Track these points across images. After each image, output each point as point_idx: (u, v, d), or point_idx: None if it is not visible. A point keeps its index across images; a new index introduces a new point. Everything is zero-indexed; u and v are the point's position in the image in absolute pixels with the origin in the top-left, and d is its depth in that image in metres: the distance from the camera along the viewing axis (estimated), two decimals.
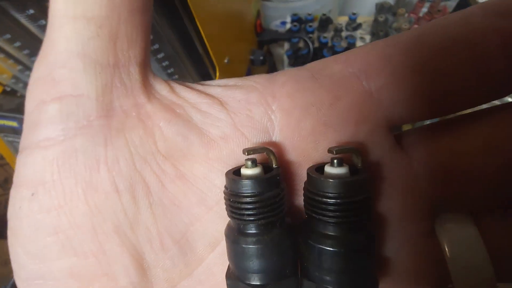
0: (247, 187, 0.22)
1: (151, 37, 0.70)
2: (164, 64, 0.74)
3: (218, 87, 0.26)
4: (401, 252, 0.25)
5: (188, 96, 0.26)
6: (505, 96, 0.24)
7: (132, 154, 0.24)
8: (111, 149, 0.23)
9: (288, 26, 1.12)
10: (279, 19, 1.17)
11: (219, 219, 0.25)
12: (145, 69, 0.25)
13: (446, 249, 0.23)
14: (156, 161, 0.24)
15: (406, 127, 0.72)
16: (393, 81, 0.23)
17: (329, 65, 0.25)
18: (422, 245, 0.25)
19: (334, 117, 0.24)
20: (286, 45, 1.08)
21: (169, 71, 0.76)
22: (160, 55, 0.72)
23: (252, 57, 1.03)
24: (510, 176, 0.23)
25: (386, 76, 0.23)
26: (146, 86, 0.25)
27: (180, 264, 0.25)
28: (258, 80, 0.26)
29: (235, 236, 0.23)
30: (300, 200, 0.26)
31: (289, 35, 1.08)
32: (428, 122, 0.33)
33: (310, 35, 1.06)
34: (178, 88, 0.26)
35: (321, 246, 0.22)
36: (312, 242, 0.22)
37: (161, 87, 0.26)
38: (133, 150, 0.24)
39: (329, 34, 1.06)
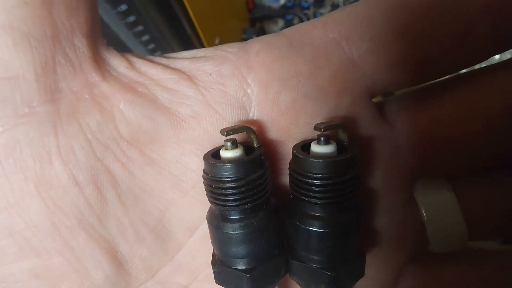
0: (229, 172, 0.20)
1: (134, 18, 0.70)
2: (149, 47, 0.72)
3: (185, 60, 0.24)
4: (384, 221, 0.25)
5: (151, 72, 0.23)
6: (485, 60, 0.23)
7: (90, 141, 0.21)
8: (63, 138, 0.21)
9: (282, 1, 1.09)
10: None
11: (196, 203, 0.23)
12: (95, 42, 0.22)
13: (424, 213, 0.24)
14: (119, 148, 0.22)
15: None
16: (377, 46, 0.21)
17: (308, 30, 0.23)
18: (404, 212, 0.25)
19: (314, 89, 0.22)
20: (280, 22, 1.05)
21: (156, 53, 0.75)
22: (144, 37, 0.70)
23: (244, 36, 0.99)
24: (488, 143, 0.23)
25: (369, 40, 0.22)
26: (98, 62, 0.22)
27: (158, 251, 0.24)
28: (230, 50, 0.24)
29: (218, 222, 0.21)
30: (284, 179, 0.24)
31: (283, 12, 1.06)
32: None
33: (306, 11, 1.03)
34: (139, 62, 0.23)
35: (309, 228, 0.20)
36: (300, 224, 0.21)
37: (117, 63, 0.23)
38: (90, 136, 0.21)
39: (325, 10, 1.02)
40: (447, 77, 0.24)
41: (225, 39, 0.82)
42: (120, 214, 0.22)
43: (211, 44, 0.75)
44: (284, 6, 1.08)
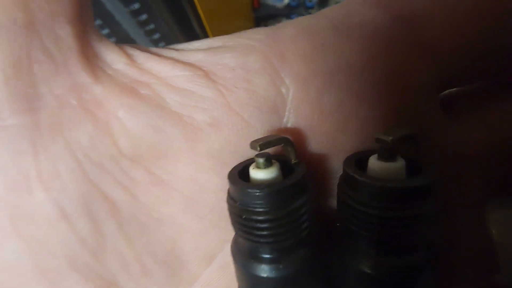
0: (263, 200, 0.14)
1: (145, 16, 0.63)
2: (160, 45, 0.65)
3: (199, 51, 0.17)
4: (457, 242, 0.18)
5: (156, 69, 0.16)
6: None
7: (80, 161, 0.15)
8: (45, 158, 0.15)
9: (287, 1, 1.02)
10: None
11: (214, 228, 0.17)
12: (84, 30, 0.16)
13: (494, 234, 0.18)
14: (119, 167, 0.16)
15: None
16: (452, 27, 0.15)
17: (356, 9, 0.16)
18: (479, 232, 0.18)
19: (370, 86, 0.16)
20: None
21: None
22: (155, 36, 0.64)
23: None
24: None
25: (439, 20, 0.15)
26: (89, 57, 0.16)
27: (169, 285, 0.18)
28: (256, 36, 0.17)
29: (246, 260, 0.15)
30: (329, 202, 0.18)
31: (287, 11, 0.99)
32: None
33: (310, 11, 0.97)
34: (141, 57, 0.17)
35: (363, 271, 0.14)
36: (351, 264, 0.15)
37: (114, 58, 0.16)
38: (81, 155, 0.15)
39: None
40: None
41: None
42: (122, 247, 0.16)
43: None
44: (288, 6, 1.01)
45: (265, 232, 0.14)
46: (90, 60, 0.16)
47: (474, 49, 0.16)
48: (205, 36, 0.72)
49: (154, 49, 0.17)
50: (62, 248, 0.15)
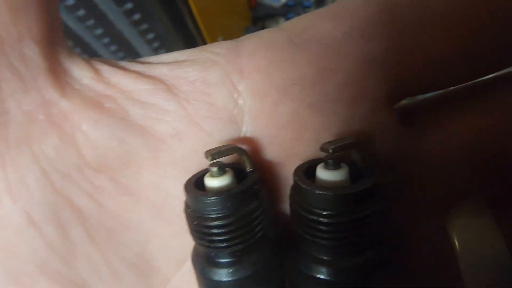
0: (215, 206, 0.15)
1: (139, 16, 0.64)
2: (154, 45, 0.66)
3: (164, 65, 0.18)
4: (415, 255, 0.18)
5: (121, 82, 0.17)
6: None
7: (47, 172, 0.16)
8: (12, 170, 0.16)
9: (284, 0, 1.02)
10: None
11: (183, 233, 0.18)
12: (53, 49, 0.16)
13: (456, 242, 0.17)
14: (84, 177, 0.17)
15: None
16: (401, 41, 0.16)
17: (313, 23, 0.17)
18: (442, 242, 0.18)
19: (322, 97, 0.16)
20: (282, 21, 0.98)
21: (160, 52, 0.68)
22: (150, 35, 0.65)
23: None
24: None
25: (391, 35, 0.16)
26: (57, 74, 0.16)
27: None
28: (218, 50, 0.18)
29: (203, 266, 0.16)
30: (286, 207, 0.18)
31: (284, 10, 0.99)
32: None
33: (307, 10, 0.97)
34: (108, 71, 0.17)
35: (316, 276, 0.15)
36: (304, 269, 0.15)
37: (82, 73, 0.17)
38: (47, 166, 0.16)
39: None
40: (492, 75, 0.18)
41: (228, 38, 0.75)
42: (91, 253, 0.17)
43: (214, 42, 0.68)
44: (285, 5, 1.01)
45: (218, 237, 0.15)
46: (59, 76, 0.17)
47: (425, 62, 0.16)
48: (200, 35, 0.72)
49: (122, 63, 0.18)
50: (31, 254, 0.16)
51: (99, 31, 0.63)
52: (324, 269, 0.15)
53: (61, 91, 0.16)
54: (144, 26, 0.64)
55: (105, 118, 0.17)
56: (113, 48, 0.67)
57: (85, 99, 0.17)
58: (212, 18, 0.71)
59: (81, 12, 0.59)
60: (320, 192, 0.14)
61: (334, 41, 0.16)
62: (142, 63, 0.18)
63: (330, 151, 0.14)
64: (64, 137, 0.16)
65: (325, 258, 0.15)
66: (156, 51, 0.67)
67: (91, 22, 0.61)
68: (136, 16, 0.62)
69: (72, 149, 0.16)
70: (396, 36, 0.16)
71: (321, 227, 0.14)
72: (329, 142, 0.15)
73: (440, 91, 0.19)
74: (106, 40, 0.65)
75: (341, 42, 0.16)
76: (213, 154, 0.15)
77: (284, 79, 0.16)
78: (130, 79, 0.17)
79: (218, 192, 0.15)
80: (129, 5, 0.60)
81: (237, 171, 0.16)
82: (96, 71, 0.17)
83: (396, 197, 0.17)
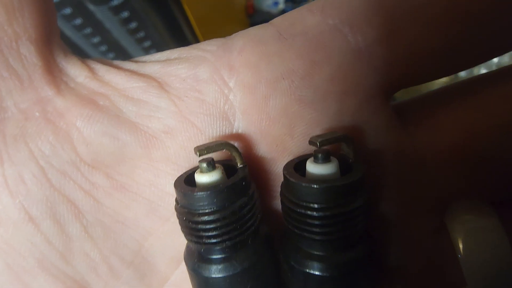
0: (204, 202, 0.15)
1: (135, 24, 0.64)
2: (151, 52, 0.66)
3: (156, 63, 0.18)
4: (407, 256, 0.18)
5: (115, 81, 0.18)
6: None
7: (43, 168, 0.16)
8: (9, 166, 0.16)
9: (281, 6, 1.03)
10: None
11: (179, 231, 0.18)
12: (48, 48, 0.17)
13: (460, 246, 0.16)
14: (80, 173, 0.17)
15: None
16: (389, 31, 0.16)
17: (302, 17, 0.17)
18: (431, 244, 0.18)
19: (312, 91, 0.17)
20: None
21: None
22: (146, 43, 0.65)
23: None
24: None
25: (379, 26, 0.16)
26: (53, 73, 0.17)
27: (140, 287, 0.19)
28: (208, 48, 0.18)
29: (194, 262, 0.16)
30: (278, 203, 0.18)
31: None
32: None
33: None
34: (103, 70, 0.18)
35: (307, 271, 0.15)
36: (296, 265, 0.15)
37: (77, 72, 0.18)
38: (43, 162, 0.16)
39: None
40: (485, 72, 0.18)
41: None
42: (88, 249, 0.18)
43: None
44: (283, 12, 1.01)
45: (207, 233, 0.15)
46: (54, 74, 0.17)
47: (413, 52, 0.16)
48: (197, 41, 0.73)
49: (116, 62, 0.19)
50: (30, 249, 0.17)
51: (97, 39, 0.63)
52: (315, 264, 0.15)
53: (56, 89, 0.17)
54: (141, 34, 0.64)
55: (99, 115, 0.17)
56: (111, 55, 0.68)
57: (80, 97, 0.17)
58: (209, 26, 0.71)
59: (78, 21, 0.60)
60: (307, 185, 0.14)
61: (322, 34, 0.16)
62: (135, 62, 0.19)
63: (318, 144, 0.14)
64: (60, 134, 0.17)
65: (317, 253, 0.15)
66: None
67: (88, 30, 0.62)
68: (133, 25, 0.63)
69: (67, 145, 0.17)
70: (384, 27, 0.16)
71: (310, 221, 0.14)
72: (318, 136, 0.15)
73: (434, 89, 0.20)
74: (103, 47, 0.66)
75: (329, 35, 0.16)
76: (201, 150, 0.15)
77: (273, 73, 0.17)
78: (124, 77, 0.18)
79: (205, 187, 0.15)
80: (125, 14, 0.61)
81: (228, 167, 0.16)
82: (91, 69, 0.18)
83: (387, 196, 0.17)
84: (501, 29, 0.16)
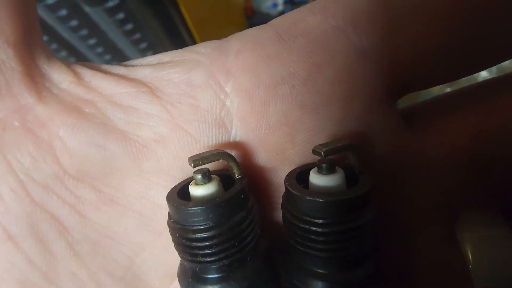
0: (199, 217, 0.14)
1: (131, 26, 0.63)
2: (148, 54, 0.65)
3: (147, 67, 0.17)
4: (415, 264, 0.17)
5: (102, 86, 0.16)
6: None
7: (23, 181, 0.15)
8: None
9: (280, 8, 1.02)
10: (271, 0, 1.06)
11: (173, 246, 0.17)
12: (29, 52, 0.16)
13: (469, 256, 0.15)
14: (64, 186, 0.16)
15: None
16: (394, 31, 0.15)
17: (302, 18, 0.16)
18: (441, 253, 0.17)
19: (314, 95, 0.15)
20: None
21: None
22: (143, 45, 0.64)
23: None
24: None
25: (383, 25, 0.15)
26: (34, 78, 0.16)
27: None
28: (203, 51, 0.17)
29: (188, 282, 0.15)
30: (278, 216, 0.17)
31: None
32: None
33: None
34: (89, 75, 0.17)
35: None
36: (298, 284, 0.14)
37: (61, 77, 0.16)
38: (23, 176, 0.15)
39: None
40: (491, 78, 0.17)
41: None
42: (74, 268, 0.16)
43: None
44: (282, 13, 1.00)
45: (202, 251, 0.14)
46: (36, 80, 0.16)
47: (420, 51, 0.15)
48: (194, 43, 0.72)
49: (104, 66, 0.18)
50: (9, 270, 0.15)
51: (93, 41, 0.62)
52: (319, 284, 0.14)
53: (37, 96, 0.16)
54: (137, 36, 0.63)
55: (84, 124, 0.16)
56: (107, 57, 0.67)
57: (64, 104, 0.16)
58: (207, 28, 0.70)
59: (74, 22, 0.59)
60: (312, 198, 0.13)
61: (324, 35, 0.15)
62: (125, 66, 0.18)
63: (323, 154, 0.13)
64: (41, 144, 0.15)
65: (320, 271, 0.14)
66: None
67: (84, 31, 0.61)
68: (129, 26, 0.62)
69: (49, 157, 0.15)
70: (389, 28, 0.15)
71: (314, 237, 0.13)
72: (322, 145, 0.14)
73: (441, 93, 0.19)
74: (99, 49, 0.65)
75: (332, 36, 0.15)
76: (196, 160, 0.14)
77: (273, 77, 0.16)
78: (111, 82, 0.16)
79: (200, 201, 0.14)
80: (120, 15, 0.60)
81: (225, 178, 0.15)
82: (76, 74, 0.17)
83: (394, 204, 0.16)
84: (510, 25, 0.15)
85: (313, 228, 0.13)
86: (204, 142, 0.16)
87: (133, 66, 0.18)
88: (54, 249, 0.16)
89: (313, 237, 0.13)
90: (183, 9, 0.63)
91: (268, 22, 0.17)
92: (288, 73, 0.16)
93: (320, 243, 0.13)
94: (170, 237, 0.16)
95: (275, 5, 1.06)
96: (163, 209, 0.17)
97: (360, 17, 0.15)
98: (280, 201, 0.16)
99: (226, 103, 0.16)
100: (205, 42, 0.18)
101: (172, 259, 0.17)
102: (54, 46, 0.60)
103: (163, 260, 0.17)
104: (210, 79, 0.16)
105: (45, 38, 0.57)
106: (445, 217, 0.17)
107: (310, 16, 0.16)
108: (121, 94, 0.16)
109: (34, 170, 0.15)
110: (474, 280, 0.15)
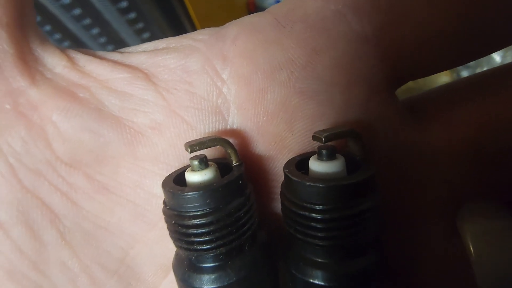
0: (195, 202, 0.13)
1: (134, 15, 0.62)
2: None
3: (143, 53, 0.17)
4: (418, 260, 0.17)
5: (97, 71, 0.16)
6: None
7: (13, 166, 0.15)
8: None
9: None
10: None
11: (168, 237, 0.16)
12: (22, 34, 0.15)
13: (471, 247, 0.15)
14: (56, 173, 0.15)
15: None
16: (396, 16, 0.14)
17: (301, 3, 0.16)
18: (444, 246, 0.17)
19: (313, 82, 0.15)
20: None
21: None
22: (145, 35, 0.64)
23: None
24: None
25: (385, 10, 0.14)
26: (27, 61, 0.15)
27: None
28: (199, 37, 0.17)
29: (184, 272, 0.14)
30: (277, 205, 0.17)
31: None
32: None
33: None
34: (83, 60, 0.16)
35: (310, 280, 0.13)
36: (297, 274, 0.14)
37: (55, 61, 0.16)
38: (14, 160, 0.15)
39: None
40: (497, 66, 0.17)
41: None
42: (66, 258, 0.16)
43: None
44: None
45: (198, 239, 0.13)
46: (29, 63, 0.15)
47: (423, 37, 0.15)
48: None
49: (99, 52, 0.17)
50: None
51: (96, 30, 0.62)
52: (318, 273, 0.13)
53: (30, 79, 0.15)
54: (140, 25, 0.63)
55: (78, 108, 0.15)
56: (110, 47, 0.66)
57: (57, 88, 0.16)
58: (210, 23, 0.70)
59: (77, 11, 0.59)
60: (311, 184, 0.13)
61: (324, 20, 0.15)
62: (120, 52, 0.17)
63: (323, 139, 0.13)
64: (33, 129, 0.15)
65: (320, 260, 0.14)
66: None
67: (87, 21, 0.60)
68: (132, 15, 0.61)
69: (41, 141, 0.15)
70: (391, 13, 0.15)
71: (314, 224, 0.13)
72: (323, 130, 0.13)
73: (445, 83, 0.18)
74: (102, 39, 0.64)
75: (332, 21, 0.15)
76: (192, 146, 0.13)
77: (271, 63, 0.15)
78: (106, 68, 0.16)
79: (197, 187, 0.13)
80: (124, 4, 0.59)
81: (223, 165, 0.15)
82: (70, 59, 0.16)
83: (397, 196, 0.16)
84: None
85: (313, 215, 0.13)
86: (200, 129, 0.16)
87: (128, 52, 0.17)
88: (44, 238, 0.16)
89: (312, 224, 0.13)
90: (186, 1, 0.62)
91: (267, 9, 0.17)
92: (286, 59, 0.15)
93: (320, 231, 0.13)
94: (165, 228, 0.15)
95: (278, 1, 1.05)
96: (158, 199, 0.16)
97: (361, 1, 0.15)
98: (279, 191, 0.16)
99: (223, 90, 0.16)
100: (202, 29, 0.17)
101: (167, 250, 0.17)
102: (57, 36, 0.60)
103: (157, 252, 0.17)
104: (206, 65, 0.16)
105: (48, 27, 0.57)
106: (448, 210, 0.16)
107: (309, 1, 0.16)
108: (116, 79, 0.16)
109: (25, 155, 0.15)
110: (476, 272, 0.15)
